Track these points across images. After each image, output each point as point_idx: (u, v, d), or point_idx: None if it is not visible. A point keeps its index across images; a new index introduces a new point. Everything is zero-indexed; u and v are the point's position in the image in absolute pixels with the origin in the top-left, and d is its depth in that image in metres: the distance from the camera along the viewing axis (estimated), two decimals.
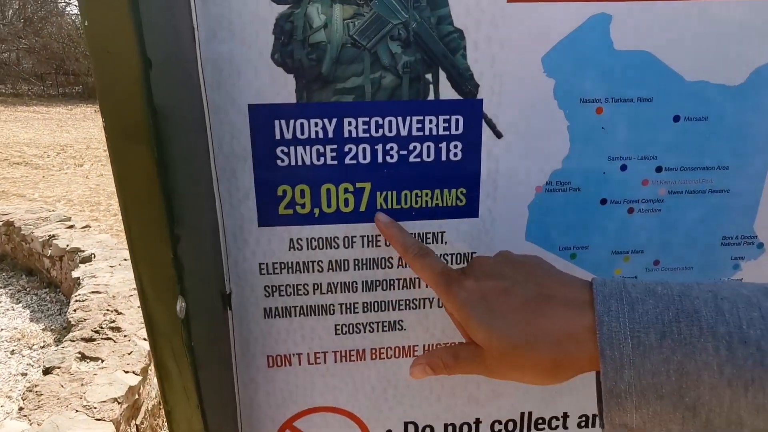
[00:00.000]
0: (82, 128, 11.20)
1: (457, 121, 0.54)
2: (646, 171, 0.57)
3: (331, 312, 0.59)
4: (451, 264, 0.58)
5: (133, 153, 0.39)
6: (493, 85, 0.53)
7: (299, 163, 0.53)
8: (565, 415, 0.66)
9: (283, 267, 0.57)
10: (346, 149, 0.54)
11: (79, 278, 3.30)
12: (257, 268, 0.57)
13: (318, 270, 0.57)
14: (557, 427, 0.67)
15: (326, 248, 0.57)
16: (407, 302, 0.60)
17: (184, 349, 0.48)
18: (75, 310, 2.84)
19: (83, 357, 2.42)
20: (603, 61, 0.53)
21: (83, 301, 2.94)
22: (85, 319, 2.73)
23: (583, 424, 0.67)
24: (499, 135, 0.55)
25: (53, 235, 3.96)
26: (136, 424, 2.28)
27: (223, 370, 0.58)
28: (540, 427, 0.67)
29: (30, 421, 2.00)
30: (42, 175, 6.96)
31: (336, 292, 0.58)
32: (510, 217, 0.58)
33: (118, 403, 2.11)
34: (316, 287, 0.58)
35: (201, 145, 0.51)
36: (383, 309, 0.60)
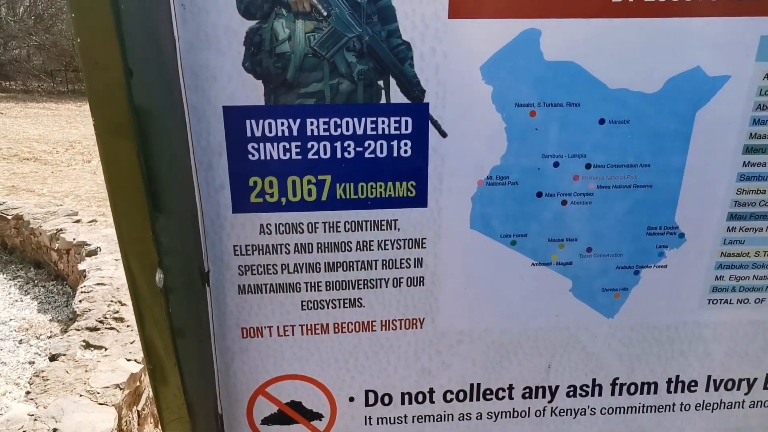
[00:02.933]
0: (90, 125, 11.30)
1: (406, 122, 0.61)
2: (577, 167, 0.64)
3: (298, 289, 0.67)
4: (403, 250, 0.66)
5: (118, 146, 0.47)
6: (437, 90, 0.60)
7: (268, 157, 0.61)
8: (511, 387, 0.74)
9: (254, 249, 0.65)
10: (309, 146, 0.61)
11: (85, 271, 3.41)
12: (232, 250, 0.65)
13: (285, 252, 0.65)
14: (504, 397, 0.74)
15: (292, 233, 0.64)
16: (365, 282, 0.67)
17: (163, 316, 0.56)
18: (80, 301, 2.95)
19: (88, 345, 2.52)
20: (534, 70, 0.60)
21: (88, 292, 3.05)
22: (90, 310, 2.84)
23: (527, 395, 0.74)
24: (444, 134, 0.62)
25: (61, 229, 4.08)
26: (137, 410, 2.38)
27: (202, 339, 0.66)
28: (488, 397, 0.74)
29: (36, 404, 2.10)
30: (51, 171, 7.10)
31: (301, 272, 0.66)
32: (455, 207, 0.65)
33: (120, 389, 2.20)
34: (284, 267, 0.66)
35: (181, 140, 0.59)
36: (344, 288, 0.67)
